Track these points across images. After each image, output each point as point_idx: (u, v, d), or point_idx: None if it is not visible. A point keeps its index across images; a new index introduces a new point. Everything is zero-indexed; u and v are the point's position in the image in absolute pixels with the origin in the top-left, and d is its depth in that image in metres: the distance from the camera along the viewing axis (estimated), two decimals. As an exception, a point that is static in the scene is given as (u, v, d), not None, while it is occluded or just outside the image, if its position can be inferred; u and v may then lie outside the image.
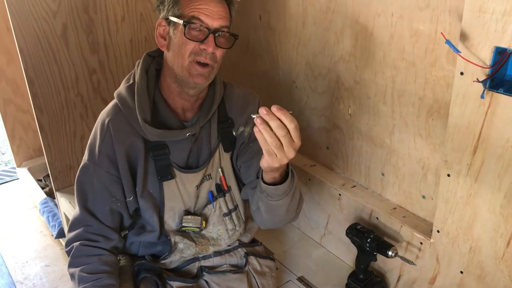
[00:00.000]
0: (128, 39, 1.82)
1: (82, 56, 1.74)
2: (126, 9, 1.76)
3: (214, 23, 1.09)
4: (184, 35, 1.07)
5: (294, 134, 0.94)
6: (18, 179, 2.51)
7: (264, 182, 1.10)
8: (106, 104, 1.23)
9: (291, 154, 0.96)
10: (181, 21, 1.08)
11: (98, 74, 1.80)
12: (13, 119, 2.40)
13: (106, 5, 1.72)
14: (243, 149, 1.31)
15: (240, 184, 1.35)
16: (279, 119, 0.92)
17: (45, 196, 2.18)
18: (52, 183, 1.85)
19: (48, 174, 2.18)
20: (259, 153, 1.25)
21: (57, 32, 1.66)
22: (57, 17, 1.64)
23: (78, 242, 1.19)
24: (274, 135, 0.93)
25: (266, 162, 1.00)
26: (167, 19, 1.12)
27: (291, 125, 0.92)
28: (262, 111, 0.92)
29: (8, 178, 2.57)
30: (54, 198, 2.01)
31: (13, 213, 2.25)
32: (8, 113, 2.37)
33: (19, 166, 2.48)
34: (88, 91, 1.80)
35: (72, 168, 1.84)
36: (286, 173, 1.10)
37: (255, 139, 1.28)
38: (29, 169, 2.42)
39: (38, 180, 2.37)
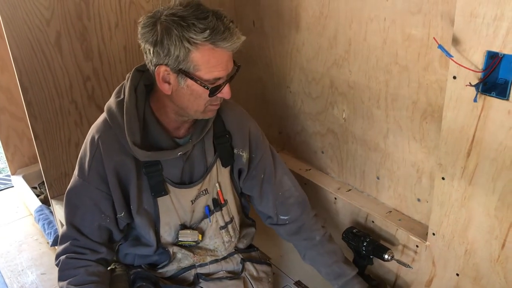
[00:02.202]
0: (122, 46, 1.82)
1: (76, 64, 1.73)
2: (120, 16, 1.76)
3: (229, 70, 1.10)
4: (209, 96, 1.09)
5: None
6: (12, 186, 2.50)
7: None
8: (101, 111, 1.23)
9: None
10: (204, 86, 1.07)
11: (92, 81, 1.80)
12: (8, 127, 2.39)
13: (99, 13, 1.72)
14: (248, 178, 1.34)
15: (237, 196, 1.37)
16: None
17: (40, 203, 2.17)
18: (47, 190, 1.85)
19: (43, 182, 2.17)
20: (268, 185, 1.36)
21: (50, 40, 1.65)
22: (51, 25, 1.64)
23: (65, 256, 1.19)
24: None
25: None
26: (173, 68, 1.06)
27: None
28: None
29: (2, 186, 2.56)
30: (49, 205, 2.01)
31: (8, 221, 2.24)
32: (2, 121, 2.36)
33: (13, 173, 2.47)
34: (83, 98, 1.79)
35: (67, 176, 1.83)
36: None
37: (258, 168, 1.34)
38: (24, 177, 2.40)
39: (33, 188, 2.36)
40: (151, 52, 1.07)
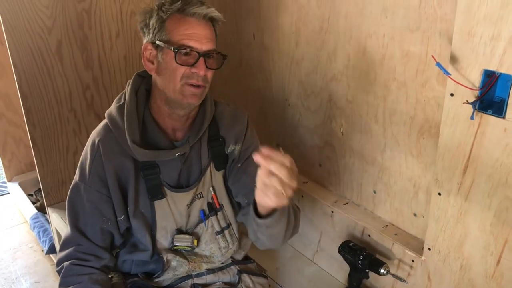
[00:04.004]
0: (122, 55, 1.83)
1: (76, 72, 1.75)
2: (121, 26, 1.78)
3: (203, 47, 1.11)
4: (175, 61, 1.09)
5: (290, 173, 0.92)
6: (8, 193, 2.49)
7: (259, 216, 1.09)
8: (100, 119, 1.25)
9: (289, 193, 0.93)
10: (171, 48, 1.09)
11: (92, 90, 1.81)
12: (5, 133, 2.39)
13: (101, 22, 1.74)
14: (231, 169, 1.31)
15: (235, 202, 1.36)
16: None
17: (36, 211, 2.17)
18: (43, 198, 1.84)
19: (39, 189, 2.17)
20: (245, 174, 1.27)
21: (51, 48, 1.67)
22: (52, 33, 1.65)
23: (69, 262, 1.19)
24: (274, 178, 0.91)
25: (266, 203, 0.99)
26: (153, 43, 1.13)
27: (286, 163, 0.91)
28: (258, 159, 0.90)
29: (-2, 193, 2.56)
30: (45, 213, 2.00)
31: (3, 228, 2.23)
32: (0, 127, 2.36)
33: (10, 180, 2.46)
34: (82, 106, 1.80)
35: (64, 184, 1.83)
36: None
37: (244, 160, 1.29)
38: (20, 184, 2.40)
39: (29, 195, 2.35)
40: (142, 36, 1.17)
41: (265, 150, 0.91)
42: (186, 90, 1.12)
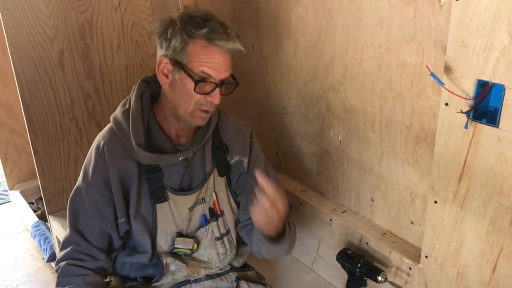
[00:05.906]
0: (123, 65, 1.85)
1: (77, 82, 1.77)
2: (122, 37, 1.81)
3: (221, 76, 1.13)
4: (194, 90, 1.11)
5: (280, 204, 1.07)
6: (10, 202, 2.51)
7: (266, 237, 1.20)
8: (101, 128, 1.27)
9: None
10: (192, 78, 1.10)
11: (93, 99, 1.83)
12: (7, 142, 2.41)
13: (102, 33, 1.76)
14: (243, 182, 1.34)
15: (235, 209, 1.37)
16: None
17: (37, 219, 2.18)
18: (44, 206, 1.86)
19: (40, 197, 2.19)
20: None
21: (53, 58, 1.69)
22: (54, 43, 1.68)
23: (65, 262, 1.21)
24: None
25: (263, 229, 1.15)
26: (171, 59, 1.13)
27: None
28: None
29: (0, 201, 2.57)
30: (46, 221, 2.01)
31: (4, 236, 2.24)
32: (1, 135, 2.38)
33: (11, 189, 2.48)
34: (83, 115, 1.82)
35: (65, 192, 1.85)
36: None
37: (250, 173, 1.32)
38: (21, 192, 2.42)
39: (30, 203, 2.36)
40: (158, 44, 1.15)
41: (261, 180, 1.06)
42: (196, 114, 1.16)
